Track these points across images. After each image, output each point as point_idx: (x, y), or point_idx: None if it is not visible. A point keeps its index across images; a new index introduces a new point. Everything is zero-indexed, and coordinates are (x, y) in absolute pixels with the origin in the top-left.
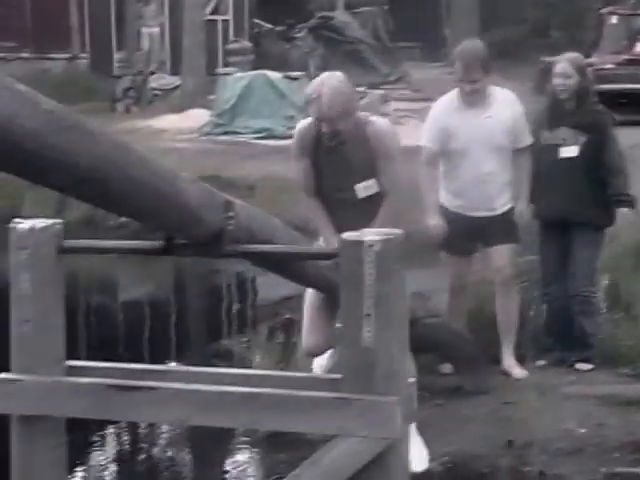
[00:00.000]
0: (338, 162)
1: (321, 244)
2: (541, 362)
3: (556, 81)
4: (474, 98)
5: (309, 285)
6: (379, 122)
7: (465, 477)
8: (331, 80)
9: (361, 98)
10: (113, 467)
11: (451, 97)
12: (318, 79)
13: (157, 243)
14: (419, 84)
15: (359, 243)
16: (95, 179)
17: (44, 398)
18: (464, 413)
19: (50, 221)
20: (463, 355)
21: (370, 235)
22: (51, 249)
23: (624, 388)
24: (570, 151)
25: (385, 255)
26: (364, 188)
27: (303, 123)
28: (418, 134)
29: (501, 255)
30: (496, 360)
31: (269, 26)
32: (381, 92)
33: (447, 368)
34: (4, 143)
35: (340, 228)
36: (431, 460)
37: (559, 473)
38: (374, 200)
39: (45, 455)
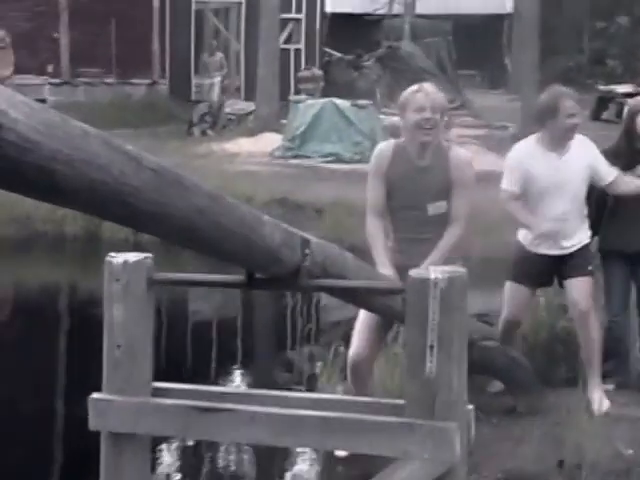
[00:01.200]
0: (417, 180)
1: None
2: (609, 387)
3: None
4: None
5: (373, 311)
6: (461, 151)
7: None
8: (429, 85)
9: None
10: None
11: (532, 141)
12: (417, 85)
13: (240, 278)
14: (480, 111)
15: (426, 280)
16: (188, 228)
17: (132, 417)
18: (517, 433)
19: (142, 255)
20: (517, 378)
21: (436, 272)
22: (142, 281)
23: None
24: None
25: (449, 292)
26: (435, 207)
27: (384, 144)
28: (478, 159)
29: (577, 288)
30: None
31: (339, 55)
32: (444, 119)
33: (496, 386)
34: (111, 199)
35: (406, 241)
36: (490, 476)
37: None
38: (441, 220)
39: (131, 471)
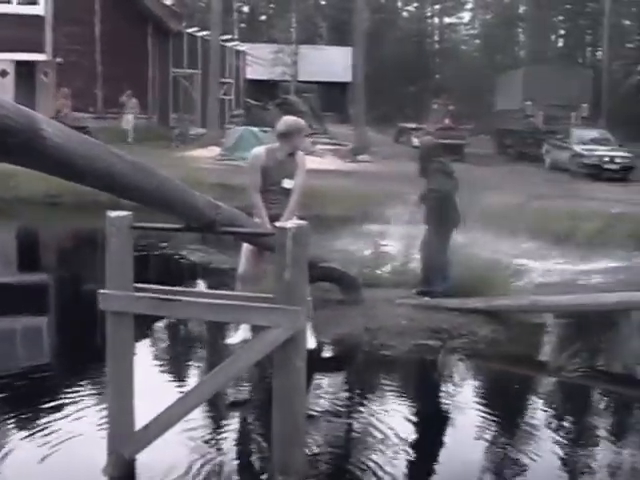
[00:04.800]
0: (281, 169)
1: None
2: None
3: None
4: None
5: (257, 245)
6: (301, 153)
7: (343, 347)
8: (293, 117)
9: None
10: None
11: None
12: (285, 117)
13: (183, 226)
14: (334, 135)
15: (284, 229)
16: (151, 196)
17: (122, 303)
18: (345, 314)
19: (127, 212)
20: (345, 283)
21: (290, 224)
22: (126, 226)
23: (427, 300)
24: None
25: (298, 235)
26: (287, 183)
27: (259, 148)
28: (331, 162)
29: None
30: None
31: (254, 102)
32: (312, 139)
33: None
34: (106, 178)
35: (271, 203)
36: (325, 338)
37: (391, 344)
38: (288, 191)
39: (123, 334)
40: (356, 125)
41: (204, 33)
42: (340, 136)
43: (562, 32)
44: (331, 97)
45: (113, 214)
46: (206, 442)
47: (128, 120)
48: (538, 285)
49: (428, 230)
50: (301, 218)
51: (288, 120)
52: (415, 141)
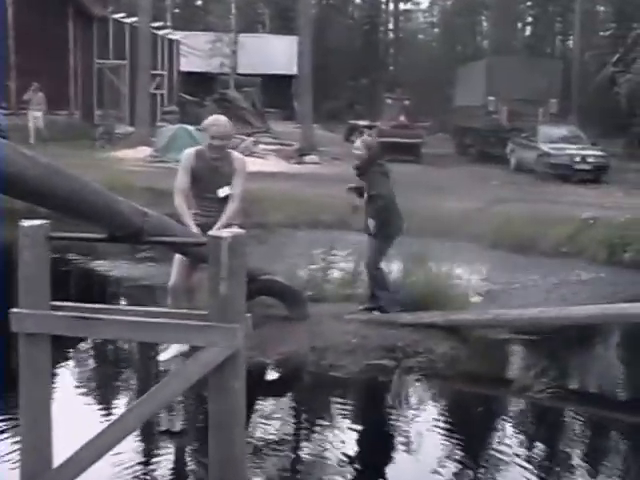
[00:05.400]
0: (213, 174)
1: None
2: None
3: (353, 152)
4: None
5: (188, 256)
6: (239, 155)
7: (287, 368)
8: (220, 117)
9: (242, 142)
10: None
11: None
12: (214, 116)
13: (105, 236)
14: (278, 134)
15: (219, 238)
16: (73, 203)
17: (37, 323)
18: (290, 331)
19: (43, 221)
20: (289, 297)
21: (226, 233)
22: (42, 236)
23: (379, 316)
24: (365, 197)
25: (234, 245)
26: (222, 191)
27: (190, 150)
28: (275, 164)
29: None
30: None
31: (189, 98)
32: (253, 139)
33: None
34: (17, 185)
35: (205, 212)
36: (268, 358)
37: (341, 364)
38: (226, 198)
39: (38, 357)
40: (302, 122)
41: (132, 19)
42: (284, 135)
43: (529, 20)
44: (275, 91)
45: (27, 223)
46: (136, 478)
47: (34, 117)
48: (497, 298)
49: (371, 239)
50: (240, 226)
51: (218, 120)
52: (357, 143)
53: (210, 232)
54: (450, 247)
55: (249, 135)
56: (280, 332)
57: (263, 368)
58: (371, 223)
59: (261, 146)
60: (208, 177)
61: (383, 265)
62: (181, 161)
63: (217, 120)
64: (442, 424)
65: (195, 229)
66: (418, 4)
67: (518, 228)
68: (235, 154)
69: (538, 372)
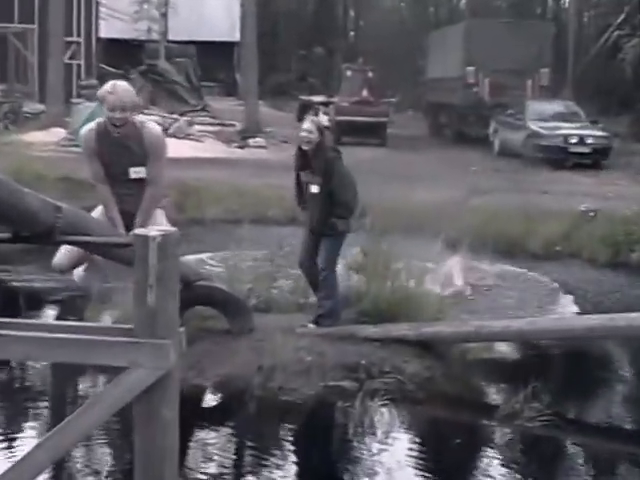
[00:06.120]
0: (120, 151)
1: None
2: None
3: (302, 134)
4: None
5: (110, 259)
6: (152, 125)
7: (229, 392)
8: (120, 82)
9: (174, 122)
10: None
11: None
12: (110, 82)
13: (8, 235)
14: (216, 112)
15: (146, 237)
16: None
17: None
18: (232, 347)
19: None
20: (231, 308)
21: (154, 231)
22: None
23: (338, 329)
24: (314, 188)
25: (164, 245)
26: (135, 172)
27: (87, 128)
28: (213, 149)
29: None
30: None
31: (111, 69)
32: (188, 118)
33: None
34: None
35: (120, 199)
36: (206, 380)
37: (293, 387)
38: (142, 181)
39: None
40: (246, 99)
41: None
42: (225, 114)
43: None
44: (213, 62)
45: None
46: None
47: None
48: (476, 307)
49: (325, 238)
50: (173, 223)
51: (115, 87)
52: (307, 124)
53: (136, 230)
54: (421, 247)
55: (183, 114)
56: (220, 349)
57: (200, 393)
58: (342, 224)
59: (197, 127)
60: (116, 156)
61: (334, 268)
62: (82, 143)
63: (115, 87)
64: (413, 458)
65: (121, 225)
66: None
67: (503, 224)
68: (148, 127)
69: (529, 395)
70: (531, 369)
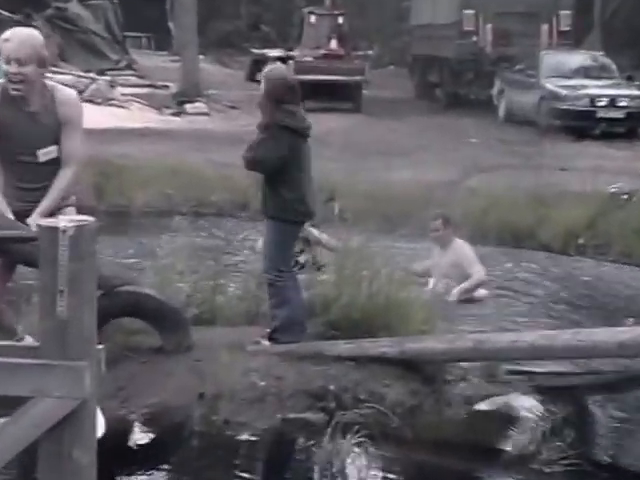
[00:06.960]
0: (26, 125)
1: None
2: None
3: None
4: None
5: (9, 258)
6: (67, 90)
7: (162, 426)
8: (22, 29)
9: (92, 83)
10: None
11: None
12: (10, 30)
13: None
14: (145, 71)
15: (55, 229)
16: None
17: None
18: (164, 369)
19: None
20: (165, 319)
21: (65, 221)
22: None
23: (300, 346)
24: None
25: (78, 240)
26: (45, 153)
27: None
28: (141, 116)
29: None
30: None
31: (7, 14)
32: (109, 78)
33: None
34: None
35: (20, 189)
36: (133, 412)
37: (242, 421)
38: (54, 164)
39: None
40: (182, 54)
41: None
42: (156, 72)
43: None
44: (140, 7)
45: None
46: None
47: None
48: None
49: (267, 230)
50: (90, 211)
51: (14, 34)
52: (259, 77)
53: (38, 220)
54: (406, 241)
55: (102, 73)
56: (151, 372)
57: (125, 428)
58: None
59: (120, 89)
60: (19, 130)
61: (285, 268)
62: None
63: (14, 34)
64: None
65: (10, 215)
66: None
67: (509, 211)
68: (62, 91)
69: (546, 432)
70: (549, 397)
